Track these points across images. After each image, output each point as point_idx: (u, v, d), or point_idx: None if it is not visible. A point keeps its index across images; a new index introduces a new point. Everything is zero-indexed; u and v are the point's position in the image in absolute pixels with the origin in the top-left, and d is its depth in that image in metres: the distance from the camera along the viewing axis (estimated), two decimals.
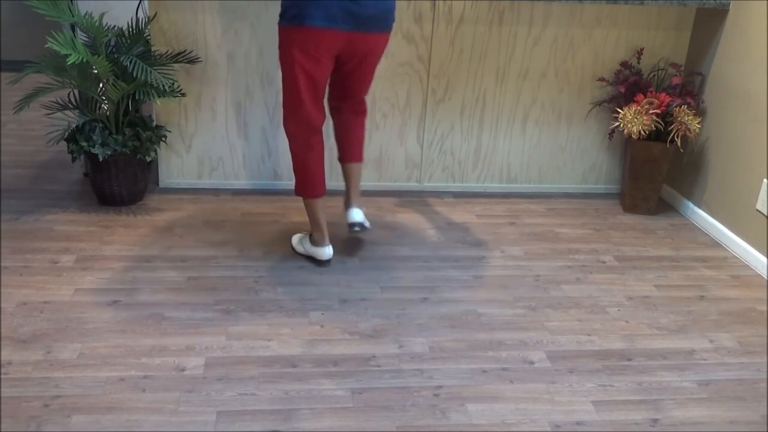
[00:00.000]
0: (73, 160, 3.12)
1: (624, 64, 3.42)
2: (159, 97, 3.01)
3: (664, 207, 3.57)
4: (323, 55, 2.48)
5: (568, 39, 3.40)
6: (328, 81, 2.69)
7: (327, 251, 2.79)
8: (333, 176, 3.51)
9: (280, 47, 2.53)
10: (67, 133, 3.08)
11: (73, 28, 3.37)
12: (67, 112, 3.30)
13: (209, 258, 2.82)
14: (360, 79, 2.70)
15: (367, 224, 2.91)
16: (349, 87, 2.74)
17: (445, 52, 3.36)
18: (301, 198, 2.78)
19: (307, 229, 2.99)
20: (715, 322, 2.58)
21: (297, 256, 2.87)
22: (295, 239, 2.91)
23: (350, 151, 2.87)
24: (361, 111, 2.85)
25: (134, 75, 2.89)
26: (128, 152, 3.10)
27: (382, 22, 2.52)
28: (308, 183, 2.72)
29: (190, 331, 2.35)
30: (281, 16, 2.48)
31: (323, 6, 2.39)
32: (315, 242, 2.80)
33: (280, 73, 3.28)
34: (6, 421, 1.90)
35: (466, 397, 2.11)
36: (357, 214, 2.85)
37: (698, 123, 3.20)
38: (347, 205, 2.90)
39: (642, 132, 3.21)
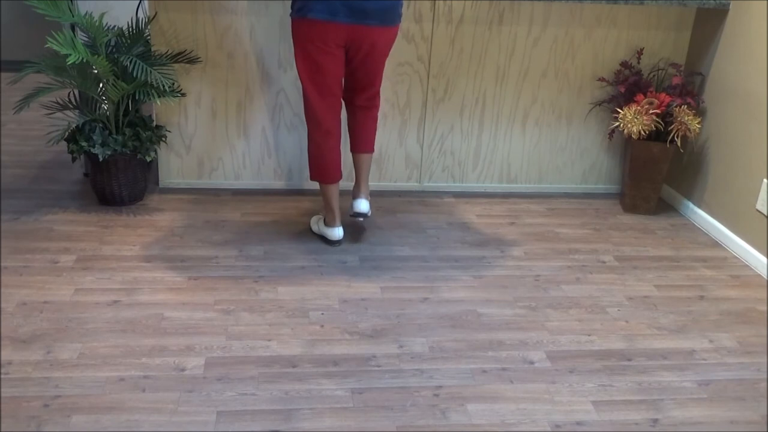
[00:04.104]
0: (73, 160, 3.12)
1: (624, 64, 3.42)
2: (159, 97, 3.01)
3: (664, 207, 3.57)
4: (329, 45, 2.60)
5: (568, 39, 3.40)
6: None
7: (337, 232, 2.92)
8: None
9: (292, 38, 2.68)
10: (67, 133, 3.08)
11: (73, 28, 3.37)
12: (67, 112, 3.30)
13: (209, 258, 2.82)
14: (368, 72, 2.78)
15: (369, 213, 3.01)
16: (359, 79, 2.81)
17: (445, 52, 3.36)
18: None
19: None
20: (715, 322, 2.58)
21: (297, 255, 2.87)
22: (313, 219, 3.08)
23: (361, 143, 2.95)
24: (373, 106, 2.92)
25: (134, 75, 2.89)
26: (128, 152, 3.10)
27: (385, 16, 2.60)
28: (323, 169, 2.85)
29: (190, 331, 2.35)
30: (291, 7, 2.63)
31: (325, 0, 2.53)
32: (327, 223, 2.95)
33: (280, 73, 3.30)
34: (6, 421, 1.90)
35: (466, 397, 2.11)
36: (363, 205, 2.97)
37: (698, 123, 3.20)
38: (355, 196, 2.99)
39: (642, 132, 3.21)
